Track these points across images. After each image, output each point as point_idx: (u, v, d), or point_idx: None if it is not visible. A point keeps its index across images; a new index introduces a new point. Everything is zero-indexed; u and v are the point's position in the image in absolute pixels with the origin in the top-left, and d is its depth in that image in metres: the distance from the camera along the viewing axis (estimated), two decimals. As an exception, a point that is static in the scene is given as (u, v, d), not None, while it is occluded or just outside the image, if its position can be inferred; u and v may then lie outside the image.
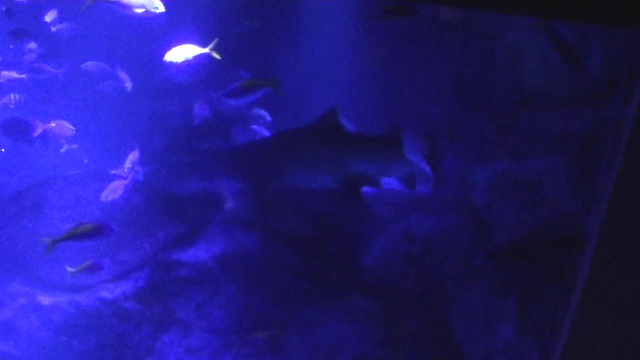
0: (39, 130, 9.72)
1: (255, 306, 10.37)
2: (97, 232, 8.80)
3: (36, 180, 10.61)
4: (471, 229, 10.01)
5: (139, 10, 8.19)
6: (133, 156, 10.15)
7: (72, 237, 8.73)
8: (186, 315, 10.30)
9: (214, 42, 8.74)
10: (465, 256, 9.99)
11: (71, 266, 9.70)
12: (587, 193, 8.50)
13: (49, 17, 10.08)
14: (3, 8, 9.91)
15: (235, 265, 10.40)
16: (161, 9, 8.25)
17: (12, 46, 10.26)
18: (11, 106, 10.03)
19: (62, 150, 10.40)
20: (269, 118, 11.02)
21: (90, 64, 10.35)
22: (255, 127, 11.28)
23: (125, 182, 9.84)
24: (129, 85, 9.86)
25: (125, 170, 10.09)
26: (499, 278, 9.27)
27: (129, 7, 8.19)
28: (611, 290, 3.74)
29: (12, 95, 10.01)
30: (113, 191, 9.84)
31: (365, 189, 10.65)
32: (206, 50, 8.76)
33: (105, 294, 10.23)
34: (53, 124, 9.93)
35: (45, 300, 10.19)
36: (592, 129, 8.55)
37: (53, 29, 10.07)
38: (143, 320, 10.22)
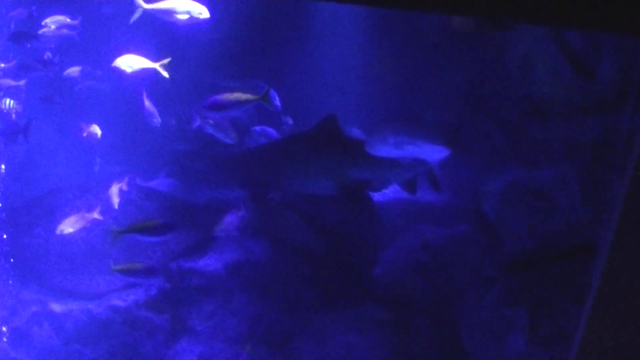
0: (85, 133, 9.75)
1: (267, 315, 10.40)
2: (159, 229, 8.86)
3: (48, 189, 10.67)
4: (482, 238, 10.03)
5: (184, 17, 8.28)
6: (115, 189, 10.07)
7: (135, 230, 8.79)
8: (198, 323, 10.34)
9: (166, 61, 8.72)
10: (475, 265, 10.00)
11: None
12: (597, 202, 8.48)
13: (53, 23, 10.10)
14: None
15: (247, 275, 10.44)
16: (205, 14, 8.32)
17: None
18: (5, 110, 10.05)
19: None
20: (291, 122, 11.00)
21: (72, 69, 10.31)
22: (258, 129, 11.22)
23: (90, 216, 9.72)
24: (157, 120, 9.74)
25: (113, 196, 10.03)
26: (510, 287, 9.26)
27: (173, 13, 8.28)
28: (623, 300, 3.73)
29: (6, 100, 10.04)
30: (70, 225, 9.76)
31: (376, 197, 10.69)
32: (154, 65, 8.72)
33: (117, 302, 10.26)
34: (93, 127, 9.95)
35: (57, 308, 10.24)
36: (603, 138, 8.53)
37: (49, 28, 10.07)
38: (155, 328, 10.27)
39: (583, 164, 8.69)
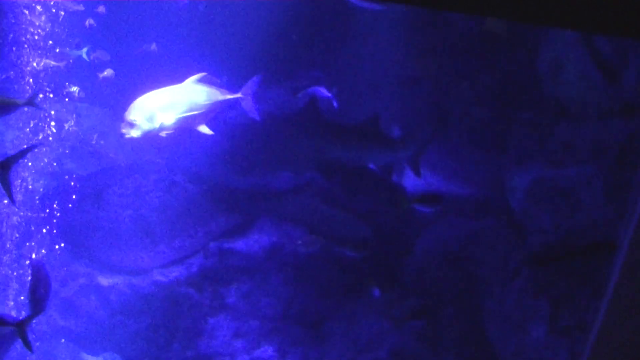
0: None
1: (301, 297, 10.72)
2: (433, 201, 9.40)
3: (100, 168, 10.81)
4: (508, 232, 10.19)
5: None
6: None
7: (417, 201, 9.35)
8: (235, 301, 10.67)
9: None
10: (501, 258, 10.18)
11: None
12: (620, 201, 8.63)
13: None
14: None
15: (284, 258, 10.70)
16: None
17: None
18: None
19: None
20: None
21: (98, 53, 10.24)
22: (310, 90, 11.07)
23: None
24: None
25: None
26: (533, 280, 9.43)
27: None
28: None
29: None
30: None
31: (409, 188, 10.81)
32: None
33: (160, 277, 10.61)
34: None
35: (103, 281, 10.62)
36: (628, 140, 8.70)
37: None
38: (194, 304, 10.63)
39: (607, 165, 8.82)
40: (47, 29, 10.13)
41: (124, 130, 8.74)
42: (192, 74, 9.44)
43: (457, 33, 10.79)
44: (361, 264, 10.72)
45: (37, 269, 8.30)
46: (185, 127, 9.12)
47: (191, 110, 9.06)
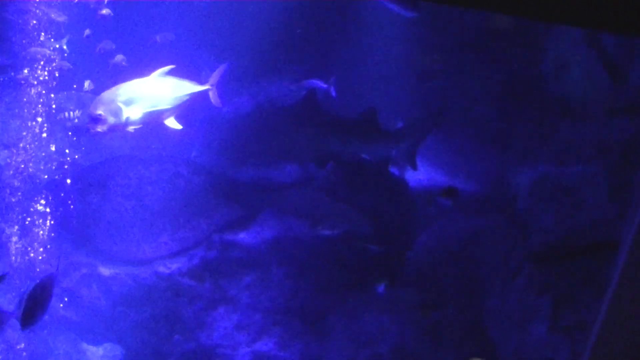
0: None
1: (302, 291, 10.68)
2: (452, 193, 9.41)
3: (103, 158, 10.83)
4: (510, 230, 10.17)
5: None
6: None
7: (441, 195, 9.43)
8: (237, 293, 10.66)
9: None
10: (502, 256, 10.17)
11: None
12: (623, 200, 8.65)
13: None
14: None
15: (286, 251, 10.68)
16: None
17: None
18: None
19: None
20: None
21: (104, 43, 10.23)
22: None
23: None
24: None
25: None
26: (535, 278, 9.46)
27: None
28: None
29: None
30: None
31: (412, 183, 10.84)
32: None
33: (162, 269, 10.61)
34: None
35: (105, 271, 10.62)
36: (632, 139, 8.74)
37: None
38: (196, 295, 10.62)
39: (611, 164, 8.88)
40: (57, 19, 10.16)
41: (89, 126, 8.50)
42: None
43: (462, 29, 10.78)
44: (362, 261, 10.72)
45: (44, 283, 8.16)
46: (153, 121, 8.94)
47: (158, 103, 8.88)
